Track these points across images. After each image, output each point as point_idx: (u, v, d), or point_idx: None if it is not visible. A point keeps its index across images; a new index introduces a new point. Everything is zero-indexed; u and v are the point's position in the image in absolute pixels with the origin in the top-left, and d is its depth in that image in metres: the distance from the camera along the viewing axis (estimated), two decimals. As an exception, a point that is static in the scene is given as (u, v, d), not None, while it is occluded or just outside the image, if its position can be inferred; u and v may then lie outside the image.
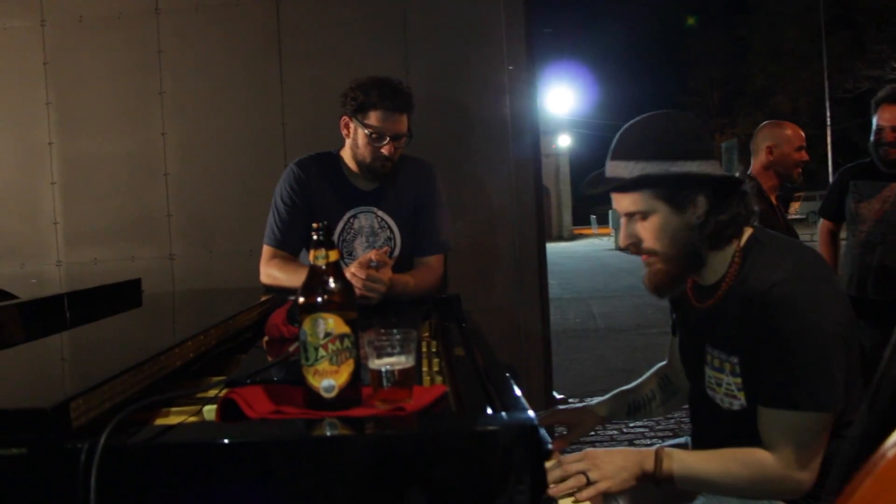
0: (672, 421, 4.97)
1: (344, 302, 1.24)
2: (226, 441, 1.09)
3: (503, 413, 1.12)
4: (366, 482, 1.07)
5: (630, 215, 1.68)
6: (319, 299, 1.22)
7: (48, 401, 1.05)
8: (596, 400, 2.12)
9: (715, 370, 1.71)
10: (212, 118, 4.04)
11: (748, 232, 1.71)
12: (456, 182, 3.47)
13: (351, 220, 2.72)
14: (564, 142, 45.39)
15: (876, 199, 3.50)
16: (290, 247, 2.72)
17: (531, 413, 1.10)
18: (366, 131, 2.57)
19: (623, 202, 1.68)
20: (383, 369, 1.25)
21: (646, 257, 1.70)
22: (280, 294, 2.44)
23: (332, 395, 1.22)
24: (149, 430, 1.13)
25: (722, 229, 1.66)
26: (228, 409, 1.25)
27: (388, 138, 2.57)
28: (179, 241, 4.06)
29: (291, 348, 1.73)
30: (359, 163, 2.66)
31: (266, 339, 2.04)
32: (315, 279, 1.24)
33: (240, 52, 4.03)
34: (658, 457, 1.61)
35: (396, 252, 2.74)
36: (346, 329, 1.23)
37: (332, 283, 1.24)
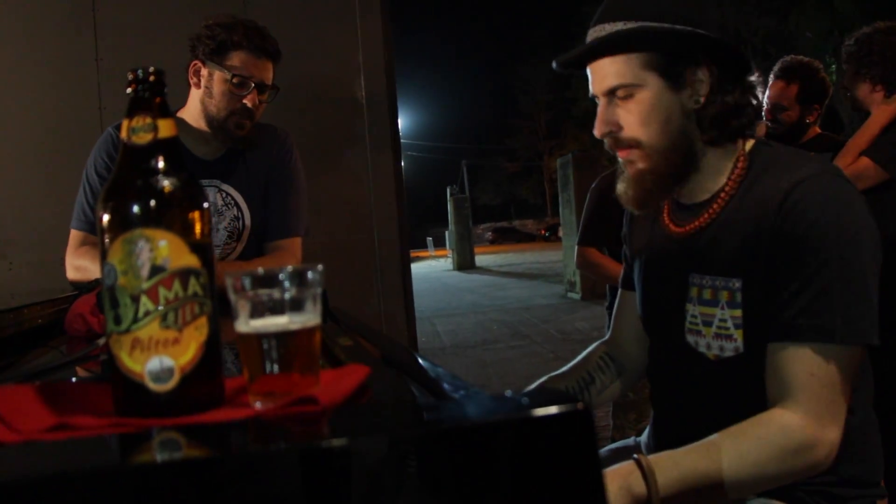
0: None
1: (188, 211, 0.66)
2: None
3: (526, 397, 0.59)
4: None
5: (611, 93, 1.31)
6: (138, 206, 0.64)
7: None
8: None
9: (703, 304, 1.33)
10: (8, 100, 3.36)
11: (749, 141, 1.37)
12: (307, 171, 3.00)
13: None
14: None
15: None
16: None
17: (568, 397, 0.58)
18: (226, 75, 2.06)
19: (604, 73, 1.30)
20: (267, 335, 0.68)
21: (625, 153, 1.33)
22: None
23: (169, 386, 0.63)
24: None
25: (727, 118, 1.30)
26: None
27: (252, 86, 2.08)
28: (-37, 250, 3.29)
29: (101, 340, 1.16)
30: (210, 120, 2.12)
31: (66, 339, 1.42)
32: (131, 169, 0.66)
33: (45, 22, 3.38)
34: (646, 471, 1.14)
35: (245, 236, 2.22)
36: (192, 261, 0.65)
37: (163, 177, 0.66)
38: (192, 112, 2.15)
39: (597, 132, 1.34)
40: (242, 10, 3.44)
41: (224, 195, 2.19)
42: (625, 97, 1.29)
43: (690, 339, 1.35)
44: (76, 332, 1.40)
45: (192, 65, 2.11)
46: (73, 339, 1.40)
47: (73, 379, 0.96)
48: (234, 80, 2.05)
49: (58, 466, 0.55)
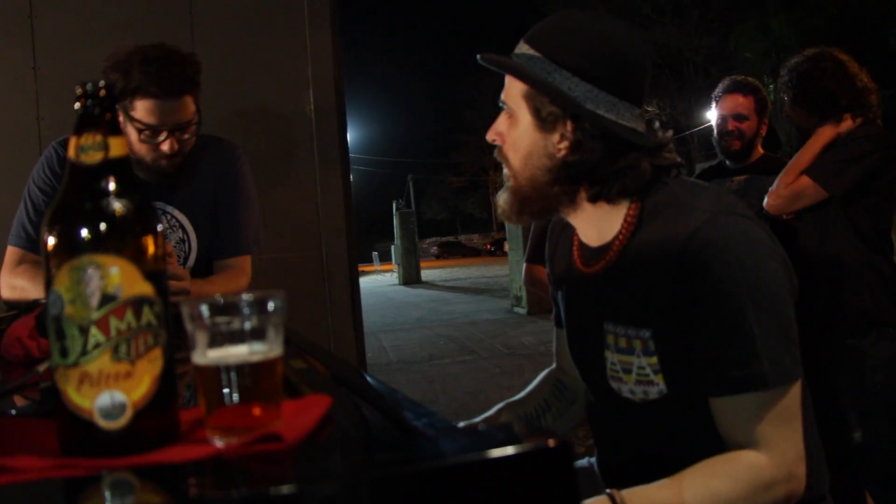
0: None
1: (141, 236, 0.62)
2: None
3: (499, 431, 0.56)
4: None
5: (504, 106, 1.35)
6: (87, 230, 0.60)
7: None
8: (478, 419, 1.62)
9: (620, 353, 1.31)
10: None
11: None
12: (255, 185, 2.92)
13: None
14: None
15: None
16: None
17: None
18: (134, 125, 1.90)
19: (506, 86, 1.34)
20: (226, 367, 0.64)
21: (503, 165, 1.36)
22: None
23: (121, 423, 0.59)
24: None
25: (583, 177, 1.29)
26: None
27: (165, 132, 1.92)
28: None
29: (41, 367, 1.10)
30: (138, 161, 1.97)
31: (2, 364, 1.34)
32: (79, 190, 0.62)
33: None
34: None
35: (192, 259, 2.12)
36: (146, 289, 0.61)
37: (115, 199, 0.62)
38: None
39: (487, 135, 1.37)
40: (188, 19, 3.36)
41: (169, 217, 2.09)
42: (509, 115, 1.32)
43: (614, 384, 1.34)
44: (14, 358, 1.33)
45: None
46: (9, 364, 1.33)
47: (13, 411, 0.90)
48: (146, 133, 1.90)
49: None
